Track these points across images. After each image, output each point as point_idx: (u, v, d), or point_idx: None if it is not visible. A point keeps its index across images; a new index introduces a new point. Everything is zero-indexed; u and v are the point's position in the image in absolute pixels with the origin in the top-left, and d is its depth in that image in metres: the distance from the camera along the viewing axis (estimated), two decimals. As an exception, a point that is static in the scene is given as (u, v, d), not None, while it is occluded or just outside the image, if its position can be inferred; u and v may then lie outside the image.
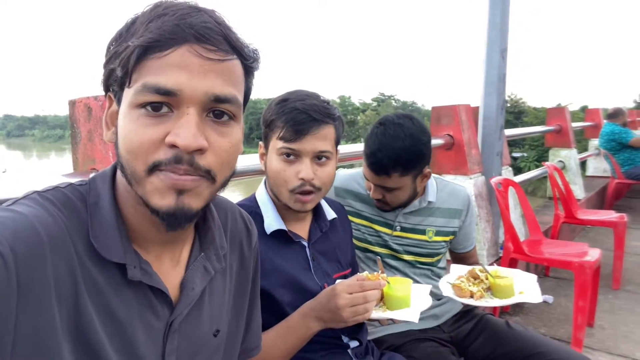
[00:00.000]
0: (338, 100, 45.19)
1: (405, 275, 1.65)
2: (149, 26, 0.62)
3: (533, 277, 1.44)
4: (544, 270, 3.77)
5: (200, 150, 0.63)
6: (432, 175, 1.64)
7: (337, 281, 1.18)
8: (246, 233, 0.93)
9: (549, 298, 3.23)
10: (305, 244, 1.27)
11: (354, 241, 1.66)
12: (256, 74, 0.74)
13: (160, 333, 0.71)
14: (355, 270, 1.44)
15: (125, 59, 0.62)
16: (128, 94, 0.63)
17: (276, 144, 1.17)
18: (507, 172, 3.63)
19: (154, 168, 0.62)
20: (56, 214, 0.63)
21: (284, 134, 1.14)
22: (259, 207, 1.25)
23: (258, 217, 1.22)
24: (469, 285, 1.39)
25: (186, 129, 0.62)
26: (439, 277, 1.74)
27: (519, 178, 4.44)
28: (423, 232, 1.66)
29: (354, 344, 1.29)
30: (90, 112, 1.30)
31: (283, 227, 1.21)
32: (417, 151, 1.47)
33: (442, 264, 1.77)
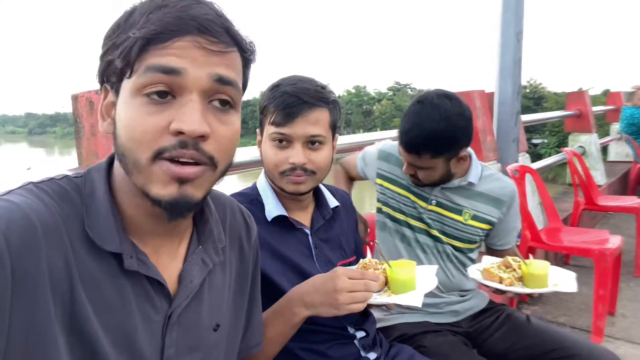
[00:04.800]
0: (353, 91, 44.84)
1: (437, 263, 1.61)
2: (149, 17, 0.62)
3: (571, 273, 1.34)
4: (564, 259, 3.71)
5: (203, 137, 0.63)
6: (480, 161, 1.62)
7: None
8: (245, 228, 0.92)
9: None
10: (308, 231, 1.25)
11: (388, 210, 1.67)
12: (253, 66, 0.74)
13: (159, 325, 0.71)
14: (360, 258, 1.42)
15: (127, 50, 0.61)
16: (129, 83, 0.63)
17: (268, 129, 1.17)
18: (523, 159, 3.55)
19: (158, 155, 0.62)
20: (50, 204, 0.63)
21: (275, 118, 1.14)
22: (259, 195, 1.25)
23: (259, 205, 1.22)
24: (500, 272, 1.33)
25: (191, 115, 0.62)
26: None
27: (537, 165, 4.36)
28: (459, 213, 1.61)
29: (360, 334, 1.26)
30: (93, 106, 1.30)
31: (284, 212, 1.20)
32: (450, 135, 1.43)
33: (474, 256, 1.69)
